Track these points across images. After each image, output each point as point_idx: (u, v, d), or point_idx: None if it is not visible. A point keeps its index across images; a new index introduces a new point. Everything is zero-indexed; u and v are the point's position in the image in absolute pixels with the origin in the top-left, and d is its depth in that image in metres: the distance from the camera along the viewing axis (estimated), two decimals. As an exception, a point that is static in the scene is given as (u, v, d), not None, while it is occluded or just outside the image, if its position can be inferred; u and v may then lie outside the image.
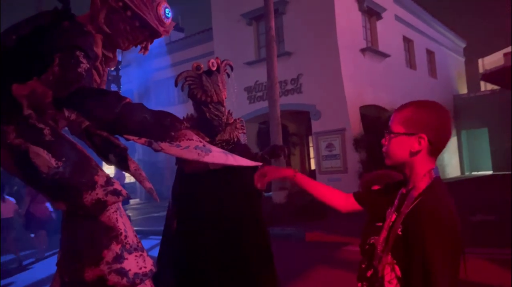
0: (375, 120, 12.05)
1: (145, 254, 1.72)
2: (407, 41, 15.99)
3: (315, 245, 6.77)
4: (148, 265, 1.68)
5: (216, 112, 2.87)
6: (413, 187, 1.33)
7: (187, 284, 2.74)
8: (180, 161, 2.88)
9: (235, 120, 3.12)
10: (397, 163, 1.41)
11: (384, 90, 13.16)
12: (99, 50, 1.83)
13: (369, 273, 1.43)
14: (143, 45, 2.04)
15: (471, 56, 22.33)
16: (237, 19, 13.54)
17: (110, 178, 1.70)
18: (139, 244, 1.73)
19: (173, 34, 20.72)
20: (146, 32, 1.94)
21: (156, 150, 1.63)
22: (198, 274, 2.69)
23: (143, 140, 1.62)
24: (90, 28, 1.81)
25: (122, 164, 1.81)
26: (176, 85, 2.91)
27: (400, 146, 1.36)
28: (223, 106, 2.90)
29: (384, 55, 13.50)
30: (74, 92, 1.59)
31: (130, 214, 12.09)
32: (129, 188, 18.12)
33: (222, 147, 2.90)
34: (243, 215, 2.81)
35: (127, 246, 1.67)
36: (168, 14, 1.92)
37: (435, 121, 1.34)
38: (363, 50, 12.78)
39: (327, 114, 11.82)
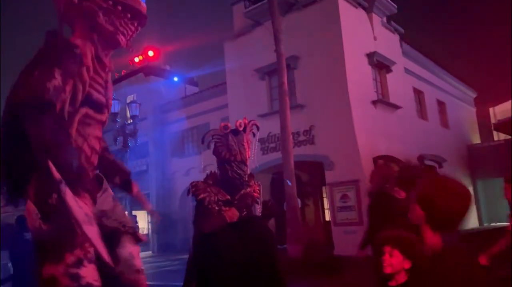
0: (389, 171, 11.99)
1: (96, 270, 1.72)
2: (418, 93, 16.24)
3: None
4: (99, 281, 1.69)
5: (239, 171, 2.95)
6: None
7: None
8: (198, 219, 2.94)
9: (254, 182, 3.20)
10: None
11: (397, 141, 13.21)
12: (88, 60, 1.91)
13: None
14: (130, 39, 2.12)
15: (482, 105, 22.45)
16: (250, 74, 13.99)
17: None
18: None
19: (188, 88, 21.44)
20: (135, 22, 2.05)
21: (61, 191, 1.65)
22: None
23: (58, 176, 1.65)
24: (79, 42, 1.90)
25: (126, 187, 1.90)
26: (202, 142, 3.02)
27: None
28: (246, 165, 2.99)
29: (395, 107, 13.69)
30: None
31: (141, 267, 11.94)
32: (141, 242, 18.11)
33: (239, 207, 2.96)
34: (263, 266, 2.81)
35: (89, 255, 1.69)
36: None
37: None
38: (374, 102, 13.00)
39: (340, 165, 11.85)
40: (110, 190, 2.16)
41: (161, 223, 18.05)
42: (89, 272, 1.69)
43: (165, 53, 23.11)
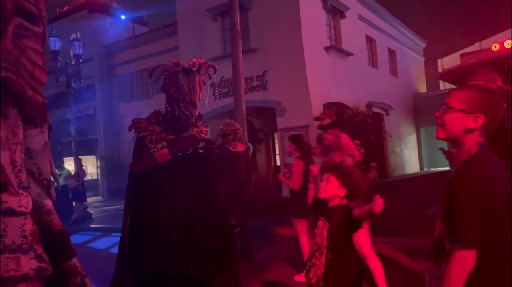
0: (338, 117, 12.25)
1: (25, 256, 1.61)
2: (370, 40, 16.36)
3: (279, 239, 6.85)
4: (24, 268, 1.60)
5: (186, 112, 2.84)
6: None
7: (143, 281, 2.71)
8: (133, 157, 2.86)
9: (202, 123, 3.11)
10: (449, 137, 1.55)
11: (347, 88, 13.42)
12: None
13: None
14: None
15: (431, 56, 23.12)
16: (202, 14, 13.42)
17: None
18: (23, 245, 1.63)
19: (137, 27, 20.34)
20: None
21: None
22: (154, 271, 2.65)
23: None
24: None
25: None
26: (150, 76, 2.86)
27: (456, 121, 1.53)
28: (194, 107, 2.87)
29: (347, 54, 13.76)
30: None
31: (91, 211, 11.81)
32: (91, 186, 17.69)
33: (183, 147, 2.88)
34: (200, 202, 2.81)
35: (17, 181, 1.64)
36: None
37: (493, 104, 1.51)
38: (327, 48, 12.96)
39: (292, 110, 11.94)
40: (46, 135, 2.02)
41: (110, 168, 17.73)
42: (13, 198, 1.61)
43: (112, -11, 21.53)
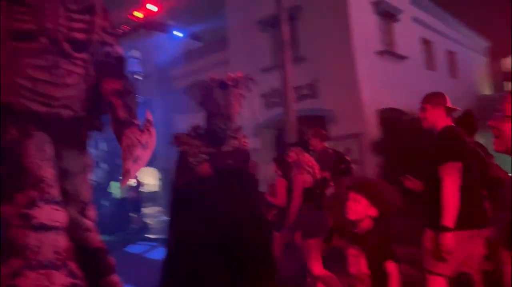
0: (394, 124, 11.84)
1: (58, 273, 1.65)
2: (426, 43, 15.69)
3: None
4: (56, 284, 1.63)
5: (222, 126, 2.86)
6: None
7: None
8: (175, 172, 2.90)
9: (243, 136, 3.12)
10: (508, 150, 1.40)
11: (403, 93, 12.91)
12: None
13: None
14: None
15: (495, 55, 21.75)
16: (252, 26, 13.59)
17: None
18: (57, 261, 1.68)
19: (191, 43, 20.98)
20: None
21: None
22: (194, 278, 2.67)
23: None
24: None
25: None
26: (187, 93, 2.93)
27: None
28: (231, 120, 2.89)
29: (402, 57, 13.29)
30: None
31: (151, 221, 12.22)
32: (152, 197, 18.34)
33: (223, 161, 2.90)
34: (240, 215, 2.79)
35: (46, 195, 1.66)
36: None
37: None
38: (379, 53, 12.61)
39: (343, 118, 11.70)
40: (88, 157, 2.09)
41: (170, 179, 18.28)
42: (43, 213, 1.66)
43: (167, 7, 22.47)
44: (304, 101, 12.43)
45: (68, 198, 1.91)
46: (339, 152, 5.27)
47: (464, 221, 2.48)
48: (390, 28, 13.42)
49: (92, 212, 2.00)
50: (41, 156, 1.74)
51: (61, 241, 1.71)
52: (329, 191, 4.73)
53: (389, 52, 12.94)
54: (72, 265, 1.72)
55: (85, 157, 2.06)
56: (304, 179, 3.98)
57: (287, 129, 9.07)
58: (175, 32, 20.64)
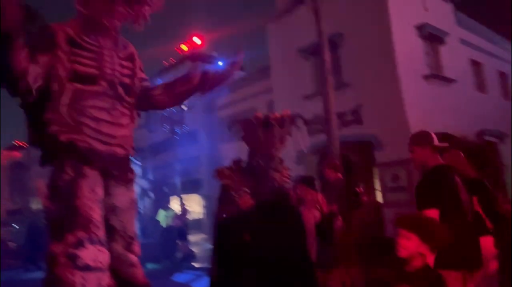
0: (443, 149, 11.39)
1: (108, 252, 1.74)
2: (475, 64, 15.16)
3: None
4: (104, 262, 1.69)
5: (262, 163, 2.83)
6: None
7: None
8: (217, 206, 2.92)
9: (284, 168, 3.10)
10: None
11: (452, 116, 12.47)
12: (60, 39, 1.92)
13: None
14: (135, 16, 2.09)
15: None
16: (294, 55, 13.73)
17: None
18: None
19: (235, 72, 21.46)
20: (124, 3, 2.02)
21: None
22: None
23: None
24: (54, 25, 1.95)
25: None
26: (229, 130, 2.96)
27: None
28: (271, 159, 2.85)
29: (450, 81, 12.89)
30: None
31: (195, 249, 12.28)
32: (196, 224, 18.57)
33: (265, 194, 2.89)
34: (282, 249, 2.73)
35: (93, 236, 1.70)
36: None
37: None
38: (426, 77, 12.31)
39: (390, 144, 11.39)
40: (133, 193, 2.16)
41: (213, 212, 18.41)
42: (89, 254, 1.71)
43: (211, 39, 23.27)
44: (348, 127, 12.27)
45: (115, 234, 1.96)
46: (351, 185, 5.09)
47: (453, 262, 2.47)
48: (436, 51, 13.11)
49: (137, 247, 2.04)
50: (92, 197, 1.82)
51: (105, 279, 1.75)
52: (338, 224, 4.56)
53: (437, 76, 12.60)
54: None
55: (132, 193, 2.13)
56: (314, 215, 3.93)
57: (331, 155, 8.95)
58: (219, 63, 21.24)
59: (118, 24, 2.08)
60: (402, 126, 11.21)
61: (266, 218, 2.78)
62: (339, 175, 5.36)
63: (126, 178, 2.08)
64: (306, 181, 4.44)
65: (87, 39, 2.01)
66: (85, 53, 2.00)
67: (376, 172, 13.03)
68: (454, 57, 13.53)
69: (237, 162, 3.03)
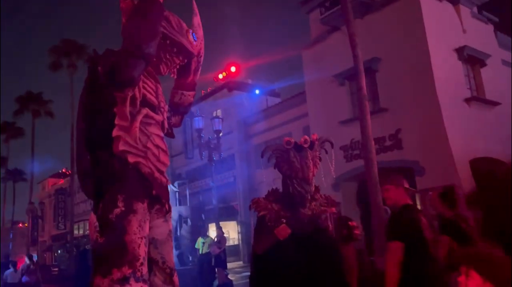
0: (489, 174, 10.89)
1: None
2: (519, 86, 14.61)
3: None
4: None
5: (300, 189, 2.83)
6: None
7: None
8: (255, 237, 2.90)
9: (321, 196, 3.07)
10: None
11: (498, 140, 11.98)
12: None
13: None
14: (177, 68, 2.32)
15: None
16: (329, 80, 13.74)
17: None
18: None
19: (270, 99, 21.70)
20: (180, 56, 2.23)
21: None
22: None
23: None
24: None
25: None
26: (262, 156, 2.98)
27: None
28: (308, 183, 2.85)
29: (493, 103, 12.48)
30: None
31: (232, 277, 12.17)
32: (232, 251, 18.43)
33: (302, 223, 2.86)
34: (320, 279, 2.67)
35: (138, 274, 1.70)
36: (194, 37, 2.29)
37: None
38: (467, 100, 11.98)
39: (432, 169, 11.04)
40: (171, 224, 2.20)
41: (250, 233, 18.36)
42: None
43: (247, 68, 23.72)
44: (387, 153, 12.03)
45: (154, 267, 1.98)
46: (344, 217, 4.89)
47: None
48: (477, 73, 12.78)
49: (176, 279, 2.05)
50: (140, 234, 1.84)
51: None
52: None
53: (478, 99, 12.24)
54: None
55: (170, 224, 2.16)
56: (354, 250, 3.84)
57: (369, 183, 8.76)
58: (256, 91, 21.56)
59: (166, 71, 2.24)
60: (444, 150, 10.88)
61: (303, 248, 2.74)
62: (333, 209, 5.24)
63: (166, 209, 2.12)
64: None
65: (150, 71, 2.14)
66: (149, 83, 2.12)
67: (417, 198, 12.62)
68: (496, 79, 13.12)
69: (273, 191, 3.02)
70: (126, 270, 1.74)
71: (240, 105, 20.69)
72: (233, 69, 22.16)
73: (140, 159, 1.95)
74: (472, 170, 11.07)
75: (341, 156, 13.03)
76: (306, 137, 2.86)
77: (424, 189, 11.33)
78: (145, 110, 1.99)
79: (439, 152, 10.90)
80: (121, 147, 1.87)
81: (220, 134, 13.22)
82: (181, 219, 17.79)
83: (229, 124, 18.81)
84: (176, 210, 18.85)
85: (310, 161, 2.83)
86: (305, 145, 2.83)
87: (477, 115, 11.96)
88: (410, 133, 11.61)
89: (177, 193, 19.46)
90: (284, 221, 2.77)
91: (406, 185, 3.38)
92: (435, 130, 11.01)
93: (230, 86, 21.52)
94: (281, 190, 2.98)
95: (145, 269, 1.82)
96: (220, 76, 22.51)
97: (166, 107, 2.27)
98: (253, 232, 2.96)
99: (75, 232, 25.73)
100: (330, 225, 3.01)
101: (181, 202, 20.00)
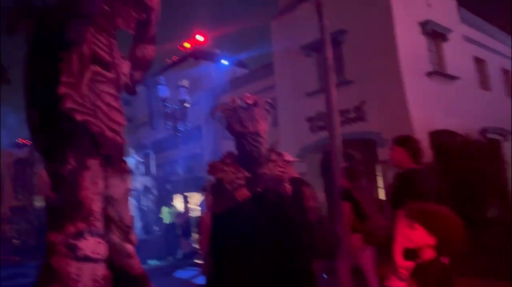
0: (447, 147, 11.37)
1: (105, 244, 1.74)
2: (479, 61, 15.11)
3: None
4: (103, 254, 1.70)
5: (254, 143, 2.82)
6: None
7: None
8: (213, 199, 2.90)
9: (277, 155, 3.03)
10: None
11: (456, 114, 12.43)
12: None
13: None
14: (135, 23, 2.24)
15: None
16: (297, 52, 13.70)
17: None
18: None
19: (237, 70, 21.49)
20: (136, 9, 2.17)
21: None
22: None
23: None
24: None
25: None
26: (212, 116, 2.96)
27: None
28: (261, 136, 2.86)
29: (453, 78, 12.85)
30: None
31: (197, 247, 12.29)
32: (196, 221, 18.48)
33: (264, 181, 2.86)
34: (281, 239, 2.72)
35: (93, 228, 1.70)
36: None
37: None
38: (429, 74, 12.28)
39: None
40: (128, 183, 2.16)
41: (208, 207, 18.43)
42: (88, 245, 1.72)
43: (214, 37, 23.27)
44: (351, 125, 12.26)
45: (111, 224, 1.96)
46: (299, 180, 5.05)
47: None
48: (439, 48, 13.07)
49: (134, 237, 2.04)
50: (94, 189, 1.82)
51: (100, 270, 1.75)
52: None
53: (440, 73, 12.56)
54: None
55: (127, 183, 2.12)
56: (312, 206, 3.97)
57: (332, 154, 8.92)
58: (222, 61, 21.26)
59: (123, 25, 2.14)
60: (405, 123, 11.18)
61: (261, 209, 2.76)
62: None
63: (122, 168, 2.08)
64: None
65: (103, 26, 2.05)
66: (104, 40, 2.04)
67: (379, 169, 13.01)
68: (458, 54, 13.48)
69: (229, 154, 3.00)
70: (81, 225, 1.72)
71: (207, 75, 20.40)
72: (200, 38, 21.72)
73: (89, 118, 1.89)
74: (431, 142, 11.48)
75: (307, 127, 13.19)
76: (248, 94, 2.89)
77: (385, 160, 11.68)
78: (94, 67, 1.92)
79: (401, 124, 11.19)
80: (68, 104, 1.81)
81: (186, 104, 13.03)
82: (146, 189, 17.65)
83: (196, 94, 18.55)
84: (141, 181, 18.66)
85: (258, 116, 2.85)
86: (249, 102, 2.85)
87: (437, 89, 12.31)
88: (374, 105, 11.84)
89: (142, 164, 19.20)
90: (243, 183, 2.78)
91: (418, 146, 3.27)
92: (398, 103, 11.27)
93: (197, 55, 21.12)
94: (236, 152, 2.95)
95: (100, 224, 1.80)
96: (187, 45, 22.03)
97: (126, 64, 2.19)
98: (211, 195, 2.96)
99: (36, 203, 25.09)
100: (288, 186, 3.02)
101: (146, 172, 19.78)
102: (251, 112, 2.86)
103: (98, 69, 1.94)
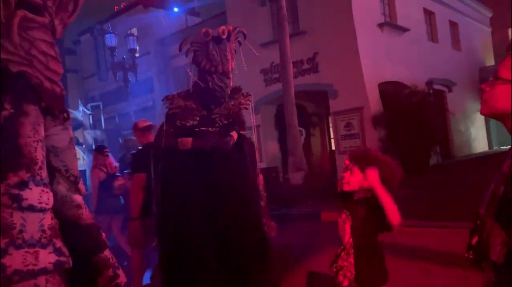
0: (395, 97, 11.76)
1: (43, 250, 1.65)
2: (428, 14, 15.41)
3: (331, 225, 6.72)
4: (42, 262, 1.65)
5: (220, 83, 2.67)
6: None
7: (173, 275, 2.63)
8: (157, 135, 2.81)
9: (241, 94, 2.93)
10: (494, 114, 1.32)
11: (404, 65, 12.78)
12: None
13: (474, 241, 1.28)
14: None
15: (499, 26, 21.31)
16: (250, 1, 13.34)
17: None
18: (42, 240, 1.67)
19: (189, 19, 20.68)
20: None
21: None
22: (183, 264, 2.58)
23: None
24: None
25: None
26: (180, 50, 2.75)
27: (505, 94, 1.25)
28: (228, 77, 2.71)
29: (404, 29, 13.08)
30: None
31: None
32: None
33: (220, 121, 2.79)
34: (230, 197, 2.69)
35: (37, 177, 1.67)
36: None
37: None
38: (381, 25, 12.41)
39: (344, 92, 11.60)
40: (71, 131, 2.06)
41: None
42: (33, 194, 1.65)
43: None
44: (304, 76, 12.33)
45: (58, 175, 1.89)
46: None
47: None
48: (391, 0, 13.16)
49: (82, 187, 1.99)
50: (35, 137, 1.71)
51: (47, 219, 1.70)
52: None
53: (391, 24, 12.73)
54: (59, 243, 1.71)
55: (70, 131, 2.03)
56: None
57: (286, 105, 9.03)
58: (174, 9, 20.34)
59: None
60: (356, 74, 11.38)
61: (204, 165, 2.69)
62: None
63: (63, 116, 1.99)
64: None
65: None
66: None
67: (330, 120, 13.34)
68: (408, 6, 13.65)
69: (187, 91, 2.86)
70: (24, 174, 1.63)
71: (157, 23, 19.50)
72: (149, -17, 20.51)
73: (25, 68, 1.76)
74: (380, 93, 11.82)
75: (261, 80, 13.12)
76: (223, 27, 2.63)
77: (336, 112, 11.97)
78: (22, 12, 1.76)
79: (352, 76, 11.39)
80: (1, 55, 1.67)
81: (136, 54, 12.51)
82: (96, 142, 17.14)
83: (146, 44, 17.83)
84: (90, 134, 18.07)
85: (229, 53, 2.67)
86: (224, 36, 2.61)
87: (388, 41, 12.51)
88: (327, 56, 11.90)
89: (90, 117, 18.50)
90: (196, 122, 2.68)
91: None
92: (349, 54, 11.38)
93: (146, 2, 20.02)
94: (199, 87, 2.76)
95: (44, 173, 1.72)
96: (135, -10, 20.79)
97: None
98: (158, 129, 2.86)
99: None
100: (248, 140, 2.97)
101: (96, 126, 19.12)
102: (223, 49, 2.64)
103: (26, 13, 1.77)
